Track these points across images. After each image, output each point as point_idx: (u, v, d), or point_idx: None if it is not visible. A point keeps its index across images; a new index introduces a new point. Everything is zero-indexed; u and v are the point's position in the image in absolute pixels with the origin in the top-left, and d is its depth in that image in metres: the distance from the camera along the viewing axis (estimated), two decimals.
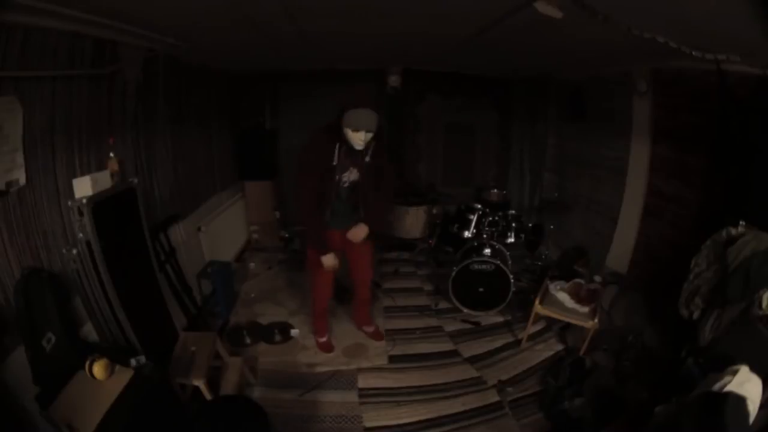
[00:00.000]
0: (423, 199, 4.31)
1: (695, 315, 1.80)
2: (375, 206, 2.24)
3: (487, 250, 3.02)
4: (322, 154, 2.00)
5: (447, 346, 2.73)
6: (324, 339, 2.64)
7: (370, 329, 2.75)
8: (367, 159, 2.07)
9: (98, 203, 1.67)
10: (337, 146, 1.99)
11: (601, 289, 2.67)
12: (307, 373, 2.41)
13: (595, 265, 3.14)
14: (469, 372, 2.47)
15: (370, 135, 1.93)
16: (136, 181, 2.01)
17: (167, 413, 1.65)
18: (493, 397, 2.25)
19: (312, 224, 2.13)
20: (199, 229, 3.10)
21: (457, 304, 3.02)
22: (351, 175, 2.12)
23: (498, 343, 2.76)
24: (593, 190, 3.39)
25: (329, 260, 2.14)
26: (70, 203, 1.62)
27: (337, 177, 2.07)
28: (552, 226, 3.77)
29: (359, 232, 2.20)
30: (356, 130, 1.90)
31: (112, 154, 1.97)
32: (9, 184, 1.46)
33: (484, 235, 3.22)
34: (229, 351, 2.30)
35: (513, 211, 3.37)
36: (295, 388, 2.27)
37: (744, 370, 1.28)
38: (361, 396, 2.25)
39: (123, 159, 2.10)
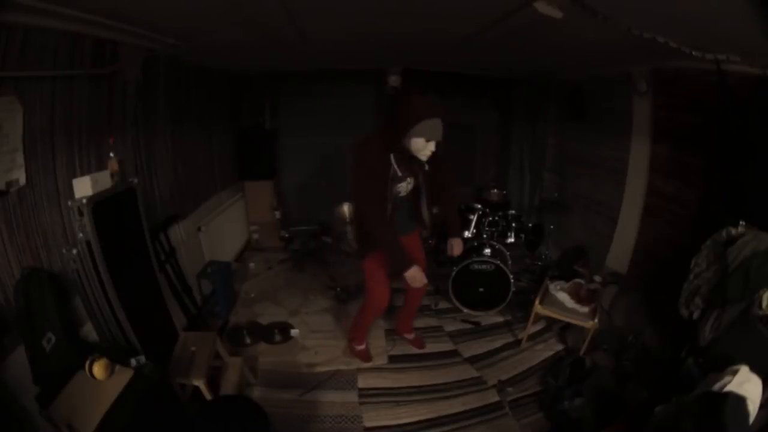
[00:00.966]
0: None
1: (695, 315, 1.79)
2: (452, 213, 2.27)
3: (487, 250, 3.02)
4: (379, 162, 1.88)
5: (447, 346, 2.73)
6: (363, 346, 2.56)
7: (411, 336, 2.71)
8: (427, 168, 1.97)
9: (98, 203, 1.67)
10: (392, 156, 1.88)
11: (601, 289, 2.67)
12: (307, 373, 2.41)
13: (595, 265, 3.14)
14: (469, 372, 2.47)
15: (436, 143, 1.84)
16: (136, 181, 2.01)
17: (167, 413, 1.65)
18: (493, 397, 2.25)
19: (388, 238, 1.92)
20: (199, 229, 3.10)
21: (457, 304, 3.02)
22: (408, 185, 2.03)
23: (498, 343, 2.76)
24: (593, 190, 3.39)
25: (418, 274, 1.92)
26: (70, 203, 1.62)
27: (393, 187, 1.94)
28: (552, 226, 3.77)
29: (458, 247, 2.24)
30: (429, 140, 1.79)
31: (112, 154, 1.97)
32: (9, 184, 1.46)
33: (484, 235, 3.22)
34: (229, 351, 2.30)
35: (513, 211, 3.37)
36: (295, 388, 2.27)
37: (744, 370, 1.29)
38: (361, 396, 2.25)
39: (123, 159, 2.09)
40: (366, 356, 2.54)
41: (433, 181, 2.08)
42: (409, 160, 1.91)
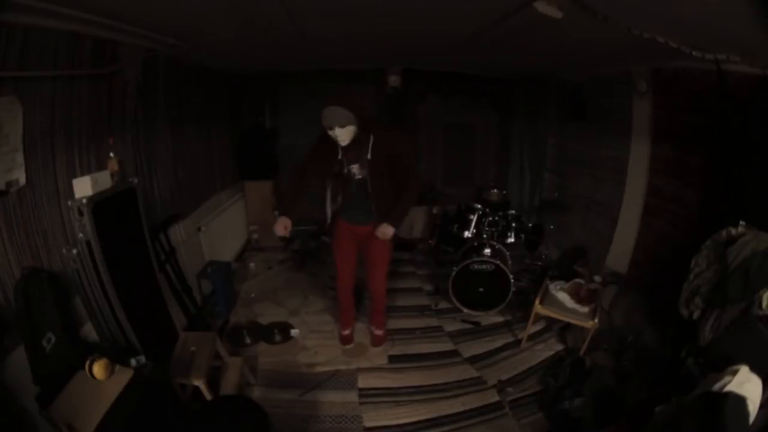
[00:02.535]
0: (423, 199, 4.31)
1: (695, 315, 1.79)
2: (389, 201, 2.18)
3: (487, 250, 3.02)
4: (324, 146, 2.10)
5: (447, 346, 2.73)
6: (346, 332, 2.66)
7: (378, 332, 2.68)
8: (369, 156, 2.06)
9: (98, 203, 1.67)
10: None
11: (601, 289, 2.67)
12: (307, 373, 2.41)
13: (595, 265, 3.14)
14: (469, 372, 2.47)
15: (345, 130, 1.95)
16: (136, 181, 2.01)
17: (167, 413, 1.65)
18: (493, 397, 2.25)
19: (289, 194, 2.25)
20: (199, 229, 3.10)
21: (457, 304, 3.02)
22: (361, 170, 2.12)
23: (498, 343, 2.76)
24: (593, 190, 3.39)
25: (279, 220, 2.12)
26: (70, 203, 1.62)
27: (345, 169, 2.12)
28: (552, 226, 3.77)
29: (383, 230, 2.15)
30: (329, 127, 1.95)
31: (112, 154, 1.97)
32: (9, 184, 1.46)
33: (484, 235, 3.22)
34: (229, 351, 2.30)
35: (513, 211, 3.37)
36: (295, 388, 2.27)
37: (744, 370, 1.29)
38: (361, 396, 2.25)
39: (123, 159, 2.09)
40: (344, 339, 2.67)
41: (379, 173, 2.11)
42: (357, 147, 2.05)
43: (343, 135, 1.97)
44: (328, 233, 2.31)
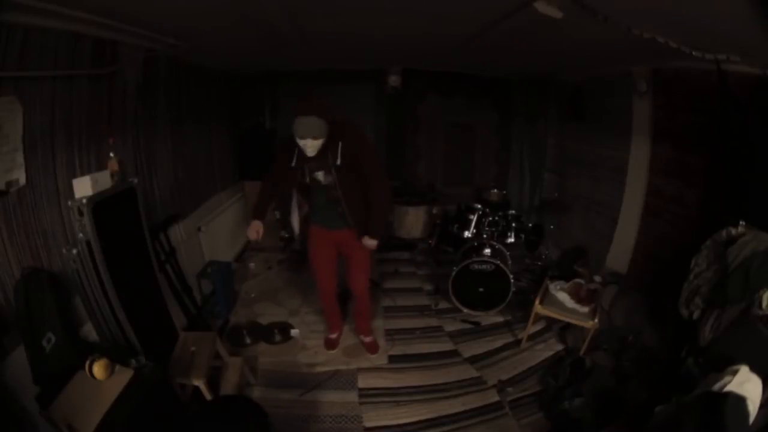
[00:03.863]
0: (423, 199, 4.31)
1: (695, 315, 1.79)
2: (360, 205, 2.11)
3: (487, 250, 3.02)
4: (283, 154, 2.06)
5: (447, 346, 2.73)
6: (332, 336, 2.63)
7: (367, 339, 2.63)
8: (338, 162, 1.97)
9: (98, 203, 1.67)
10: (296, 149, 1.98)
11: (601, 289, 2.67)
12: (307, 373, 2.41)
13: (595, 265, 3.14)
14: (469, 372, 2.47)
15: (316, 143, 1.89)
16: (136, 181, 2.01)
17: (167, 413, 1.65)
18: (493, 397, 2.25)
19: (259, 194, 2.23)
20: (199, 229, 3.10)
21: (457, 304, 3.02)
22: (326, 176, 2.05)
23: (498, 343, 2.75)
24: (593, 190, 3.39)
25: (252, 225, 2.13)
26: (70, 203, 1.62)
27: (306, 177, 2.07)
28: (552, 226, 3.77)
29: (369, 244, 2.14)
30: (301, 137, 1.88)
31: (112, 154, 1.97)
32: (9, 184, 1.46)
33: (484, 235, 3.22)
34: (229, 351, 2.30)
35: (513, 211, 3.37)
36: (295, 388, 2.27)
37: (744, 370, 1.29)
38: (361, 396, 2.24)
39: (123, 159, 2.09)
40: (328, 344, 2.61)
41: (349, 177, 2.03)
42: (323, 155, 1.96)
43: (314, 147, 1.90)
44: (300, 242, 2.24)
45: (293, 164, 2.04)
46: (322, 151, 1.94)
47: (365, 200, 2.10)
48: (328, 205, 2.13)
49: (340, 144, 1.95)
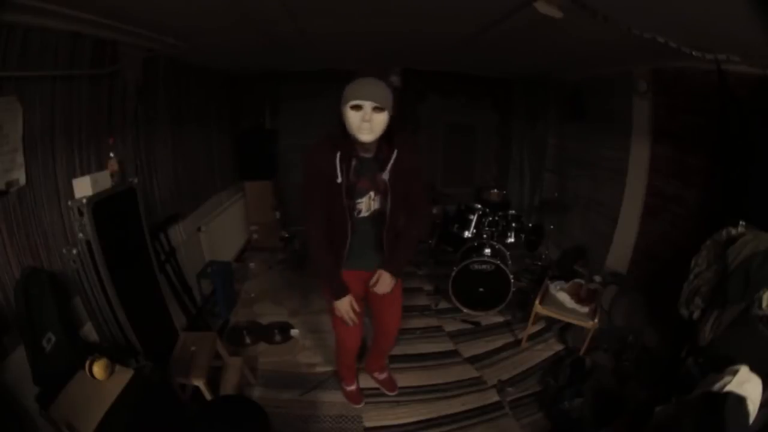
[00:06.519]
0: None
1: (695, 315, 1.79)
2: (402, 241, 1.63)
3: (487, 250, 3.02)
4: (323, 167, 1.43)
5: (447, 346, 2.73)
6: (352, 387, 2.21)
7: (382, 376, 2.31)
8: (390, 165, 1.45)
9: (98, 203, 1.67)
10: (338, 157, 1.41)
11: (601, 289, 2.67)
12: (307, 373, 2.41)
13: (595, 265, 3.14)
14: (469, 372, 2.47)
15: (381, 115, 1.31)
16: (136, 181, 2.01)
17: (167, 413, 1.65)
18: (493, 397, 2.25)
19: (323, 261, 1.58)
20: (199, 229, 3.10)
21: (457, 304, 3.02)
22: (371, 202, 1.53)
23: (498, 343, 2.76)
24: (593, 190, 3.39)
25: (343, 305, 1.61)
26: (70, 203, 1.63)
27: (347, 203, 1.48)
28: (552, 226, 3.77)
29: (384, 285, 1.65)
30: (358, 99, 1.28)
31: (112, 154, 1.97)
32: (9, 184, 1.46)
33: (484, 235, 3.22)
34: (229, 351, 2.30)
35: (513, 211, 3.37)
36: (295, 388, 2.27)
37: (744, 370, 1.29)
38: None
39: (123, 159, 2.10)
40: (355, 398, 2.18)
41: (399, 200, 1.53)
42: (364, 165, 1.44)
43: (376, 122, 1.30)
44: (338, 288, 1.62)
45: (353, 181, 1.44)
46: (376, 158, 1.43)
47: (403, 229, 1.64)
48: (366, 239, 1.62)
49: (395, 153, 1.44)
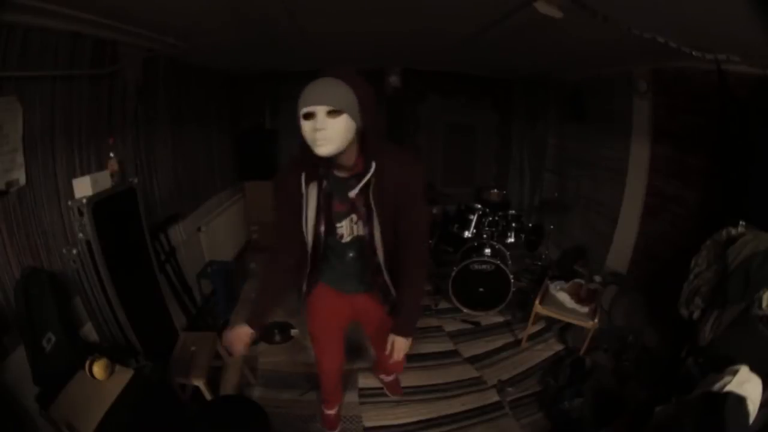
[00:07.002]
0: None
1: (695, 315, 1.80)
2: (406, 291, 1.38)
3: (487, 250, 3.02)
4: (289, 189, 1.26)
5: (447, 346, 2.73)
6: (331, 412, 1.99)
7: (388, 378, 2.24)
8: (369, 183, 1.19)
9: (98, 203, 1.68)
10: (303, 178, 1.22)
11: (601, 289, 2.67)
12: (307, 373, 2.40)
13: (595, 265, 3.14)
14: (469, 372, 2.47)
15: (338, 121, 1.04)
16: (136, 181, 2.01)
17: (167, 413, 1.65)
18: (493, 397, 2.25)
19: (262, 282, 1.50)
20: (199, 229, 3.10)
21: (457, 304, 3.02)
22: (353, 226, 1.31)
23: (498, 343, 2.75)
24: (593, 190, 3.39)
25: (233, 333, 1.43)
26: (70, 203, 1.63)
27: (320, 228, 1.29)
28: (552, 226, 3.77)
29: (399, 352, 1.38)
30: (308, 109, 1.04)
31: (112, 154, 1.97)
32: (9, 184, 1.46)
33: (484, 235, 3.22)
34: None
35: (513, 211, 3.37)
36: (295, 388, 2.27)
37: (744, 370, 1.29)
38: (361, 396, 2.24)
39: (123, 159, 2.10)
40: (330, 423, 1.99)
41: (387, 219, 1.27)
42: (336, 185, 1.23)
43: (332, 130, 1.04)
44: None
45: (307, 203, 1.26)
46: (353, 176, 1.20)
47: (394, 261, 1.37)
48: (351, 262, 1.43)
49: (372, 167, 1.17)
